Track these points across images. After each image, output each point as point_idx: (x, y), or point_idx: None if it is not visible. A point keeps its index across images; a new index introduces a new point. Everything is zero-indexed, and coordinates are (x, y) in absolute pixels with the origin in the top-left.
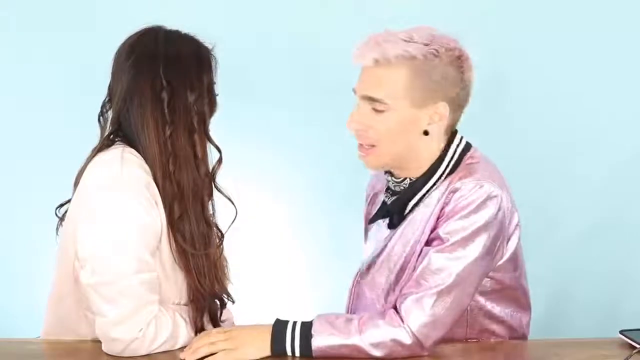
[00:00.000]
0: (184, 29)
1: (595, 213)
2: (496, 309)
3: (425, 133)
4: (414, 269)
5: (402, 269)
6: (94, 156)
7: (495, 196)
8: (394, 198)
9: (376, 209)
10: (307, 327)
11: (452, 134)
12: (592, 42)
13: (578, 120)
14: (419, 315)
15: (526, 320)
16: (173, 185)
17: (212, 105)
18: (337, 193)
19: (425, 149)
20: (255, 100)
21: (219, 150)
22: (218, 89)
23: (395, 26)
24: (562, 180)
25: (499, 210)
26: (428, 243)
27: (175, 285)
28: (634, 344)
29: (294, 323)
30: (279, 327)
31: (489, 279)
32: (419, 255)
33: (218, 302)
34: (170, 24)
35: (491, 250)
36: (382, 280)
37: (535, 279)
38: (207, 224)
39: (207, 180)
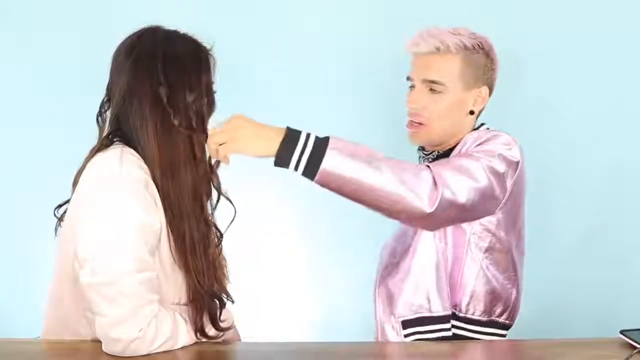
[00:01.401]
0: (183, 28)
1: (595, 213)
2: (490, 271)
3: (471, 112)
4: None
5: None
6: (92, 156)
7: (515, 146)
8: None
9: None
10: (322, 142)
11: (481, 125)
12: (592, 42)
13: (578, 120)
14: (445, 175)
15: (514, 297)
16: (172, 185)
17: (210, 104)
18: None
19: (466, 126)
20: (254, 100)
21: None
22: (216, 88)
23: (395, 26)
24: (562, 180)
25: (518, 158)
26: None
27: (175, 285)
28: (634, 344)
29: (308, 134)
30: (293, 135)
31: (488, 234)
32: None
33: (217, 302)
34: (170, 24)
35: (500, 178)
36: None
37: (535, 279)
38: (206, 223)
39: (205, 180)
